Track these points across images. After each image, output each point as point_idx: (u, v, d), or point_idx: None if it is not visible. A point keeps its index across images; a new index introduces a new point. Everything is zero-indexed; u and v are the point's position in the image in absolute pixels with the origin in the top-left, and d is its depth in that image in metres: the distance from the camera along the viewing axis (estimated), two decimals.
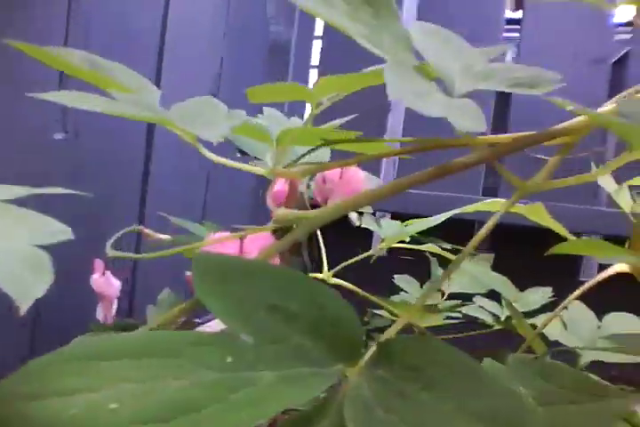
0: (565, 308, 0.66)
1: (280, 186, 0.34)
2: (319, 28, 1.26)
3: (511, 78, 0.25)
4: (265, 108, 0.46)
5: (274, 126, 0.42)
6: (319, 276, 0.66)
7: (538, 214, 0.51)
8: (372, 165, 1.22)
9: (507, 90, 0.25)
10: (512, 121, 1.16)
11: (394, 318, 0.73)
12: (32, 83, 0.58)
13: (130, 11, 0.77)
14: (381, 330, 1.14)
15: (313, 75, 1.27)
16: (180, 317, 0.22)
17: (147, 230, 0.27)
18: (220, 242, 0.24)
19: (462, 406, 0.20)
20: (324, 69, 1.25)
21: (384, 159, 1.16)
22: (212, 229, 0.46)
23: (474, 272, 0.66)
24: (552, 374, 0.36)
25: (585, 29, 1.12)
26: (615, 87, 1.10)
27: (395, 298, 0.83)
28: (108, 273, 0.27)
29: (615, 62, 1.18)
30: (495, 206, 0.50)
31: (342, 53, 1.25)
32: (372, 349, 0.21)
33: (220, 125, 0.31)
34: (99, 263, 0.27)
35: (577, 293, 0.56)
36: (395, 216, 1.25)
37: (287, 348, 0.21)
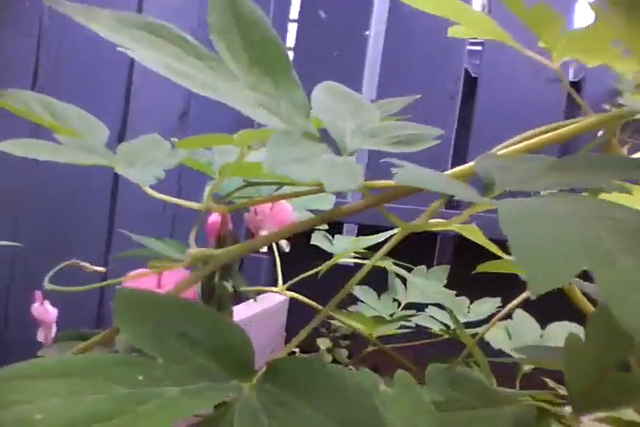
0: (508, 317, 0.71)
1: (214, 218, 0.39)
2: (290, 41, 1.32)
3: (394, 137, 0.30)
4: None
5: (221, 159, 0.47)
6: (274, 289, 0.71)
7: (473, 233, 0.56)
8: None
9: (388, 149, 0.29)
10: (471, 146, 1.21)
11: (353, 327, 0.77)
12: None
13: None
14: (346, 337, 1.19)
15: None
16: (100, 344, 0.26)
17: (83, 263, 0.32)
18: (139, 277, 0.28)
19: (330, 414, 0.24)
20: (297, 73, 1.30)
21: None
22: (173, 247, 0.51)
23: (421, 285, 0.70)
24: (459, 383, 0.41)
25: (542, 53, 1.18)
26: (572, 105, 1.16)
27: (353, 308, 0.88)
28: (46, 302, 0.31)
29: (573, 82, 1.24)
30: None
31: (314, 66, 1.30)
32: (264, 367, 0.26)
33: (157, 167, 0.36)
34: (38, 294, 0.31)
35: (515, 302, 0.61)
36: (362, 228, 1.30)
37: (191, 367, 0.25)
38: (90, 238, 0.78)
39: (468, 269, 0.63)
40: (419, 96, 0.36)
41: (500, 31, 0.47)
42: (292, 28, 1.30)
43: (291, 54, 1.31)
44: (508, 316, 0.67)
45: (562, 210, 0.19)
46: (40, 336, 0.31)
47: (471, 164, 0.28)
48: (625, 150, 0.50)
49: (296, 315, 1.25)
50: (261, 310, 1.11)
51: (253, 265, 1.21)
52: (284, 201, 0.42)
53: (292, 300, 1.04)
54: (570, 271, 0.16)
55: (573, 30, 0.41)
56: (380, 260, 0.74)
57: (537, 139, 0.31)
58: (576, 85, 1.22)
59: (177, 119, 1.01)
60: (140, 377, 0.25)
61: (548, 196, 0.22)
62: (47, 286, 0.28)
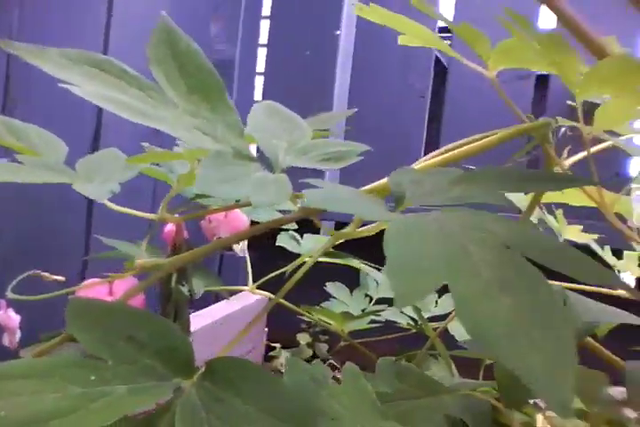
0: None
1: (170, 227, 0.42)
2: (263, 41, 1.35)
3: (323, 154, 0.34)
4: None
5: (181, 169, 0.50)
6: (244, 288, 0.75)
7: None
8: (315, 172, 1.30)
9: (317, 166, 0.33)
10: (443, 137, 1.24)
11: (324, 323, 0.81)
12: None
13: None
14: (325, 332, 1.23)
15: (258, 86, 1.35)
16: (56, 347, 0.30)
17: (44, 273, 0.35)
18: (92, 286, 0.32)
19: (262, 407, 0.28)
20: (268, 79, 1.33)
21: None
22: (149, 251, 0.54)
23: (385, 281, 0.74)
24: (405, 375, 0.45)
25: None
26: (538, 102, 1.20)
27: (326, 304, 0.91)
28: (10, 310, 0.34)
29: (541, 76, 1.27)
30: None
31: (286, 65, 1.32)
32: (203, 366, 0.29)
33: (113, 182, 0.39)
34: (2, 303, 0.34)
35: None
36: (338, 224, 1.33)
37: (138, 368, 0.29)
38: (68, 244, 0.80)
39: None
40: (353, 111, 0.40)
41: (439, 41, 0.51)
42: (265, 25, 1.33)
43: (264, 51, 1.34)
44: None
45: (439, 225, 0.23)
46: (5, 341, 0.34)
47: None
48: (565, 152, 0.53)
49: (277, 311, 1.29)
50: (241, 307, 1.15)
51: (232, 264, 1.24)
52: (237, 209, 0.45)
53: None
54: (430, 285, 0.20)
55: (499, 45, 0.44)
56: (344, 258, 0.77)
57: (456, 151, 0.35)
58: (544, 79, 1.25)
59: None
60: (93, 378, 0.28)
61: (437, 211, 0.25)
62: (9, 295, 0.31)
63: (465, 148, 0.37)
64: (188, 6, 1.13)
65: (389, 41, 1.23)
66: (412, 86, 1.24)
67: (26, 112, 0.66)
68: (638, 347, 0.69)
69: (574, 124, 0.44)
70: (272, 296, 0.72)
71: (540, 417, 0.61)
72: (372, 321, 0.86)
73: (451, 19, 1.30)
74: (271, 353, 1.26)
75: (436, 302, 0.89)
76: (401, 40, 0.56)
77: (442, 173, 0.31)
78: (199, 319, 1.08)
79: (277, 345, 1.29)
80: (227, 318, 1.12)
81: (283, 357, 1.24)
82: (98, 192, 0.37)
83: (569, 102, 1.17)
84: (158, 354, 0.29)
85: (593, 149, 0.49)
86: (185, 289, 0.39)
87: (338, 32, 1.29)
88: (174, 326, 0.29)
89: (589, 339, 0.53)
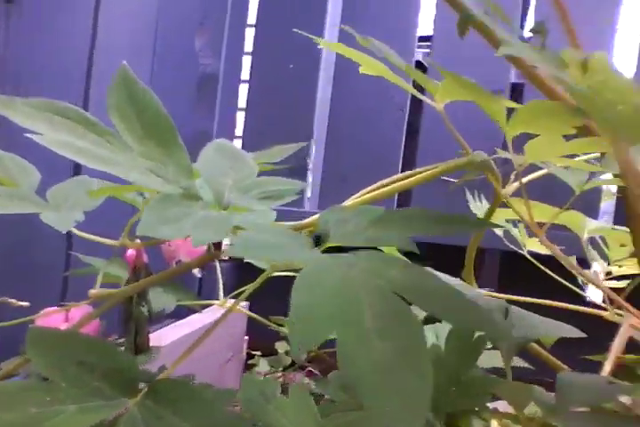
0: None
1: (131, 251, 0.46)
2: (247, 60, 1.38)
3: (264, 192, 0.37)
4: None
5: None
6: (215, 302, 0.79)
7: None
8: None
9: (258, 205, 0.36)
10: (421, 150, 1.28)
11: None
12: None
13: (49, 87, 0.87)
14: None
15: (242, 96, 1.39)
16: (16, 370, 0.33)
17: (10, 300, 0.39)
18: (49, 315, 0.35)
19: (194, 422, 0.31)
20: (253, 90, 1.37)
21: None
22: (119, 267, 0.57)
23: None
24: (348, 386, 0.49)
25: (487, 59, 1.25)
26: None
27: None
28: None
29: (515, 84, 1.31)
30: None
31: (270, 76, 1.36)
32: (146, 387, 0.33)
33: (78, 211, 0.42)
34: None
35: None
36: None
37: (88, 389, 0.32)
38: (49, 260, 0.84)
39: None
40: (304, 144, 0.43)
41: (392, 74, 0.54)
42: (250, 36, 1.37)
43: (248, 63, 1.38)
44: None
45: (342, 272, 0.26)
46: None
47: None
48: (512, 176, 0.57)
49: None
50: (220, 316, 1.18)
51: (213, 276, 1.27)
52: None
53: (253, 305, 1.11)
54: (322, 335, 0.23)
55: (443, 83, 0.48)
56: None
57: (382, 190, 0.38)
58: (518, 88, 1.29)
59: None
60: (48, 398, 0.31)
61: (353, 253, 0.29)
62: None
63: (400, 183, 0.41)
64: (173, 21, 1.16)
65: (370, 55, 1.27)
66: (392, 99, 1.28)
67: (7, 135, 0.70)
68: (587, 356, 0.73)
69: (508, 155, 0.47)
70: (245, 311, 0.76)
71: (494, 423, 0.65)
72: None
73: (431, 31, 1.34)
74: (250, 361, 1.30)
75: None
76: (361, 70, 0.60)
77: (365, 212, 0.34)
78: (178, 329, 1.11)
79: (258, 353, 1.33)
80: (204, 328, 1.15)
81: (262, 364, 1.28)
82: (62, 222, 0.40)
83: None
84: (106, 376, 0.33)
85: (530, 177, 0.53)
86: (145, 309, 0.43)
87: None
88: (120, 350, 0.33)
89: (541, 350, 0.57)
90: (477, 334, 0.46)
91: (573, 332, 0.56)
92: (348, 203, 0.38)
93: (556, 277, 0.68)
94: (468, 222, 0.33)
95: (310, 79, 1.35)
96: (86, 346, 0.33)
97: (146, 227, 0.30)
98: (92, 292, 0.34)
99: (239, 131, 1.39)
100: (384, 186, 0.42)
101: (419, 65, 1.38)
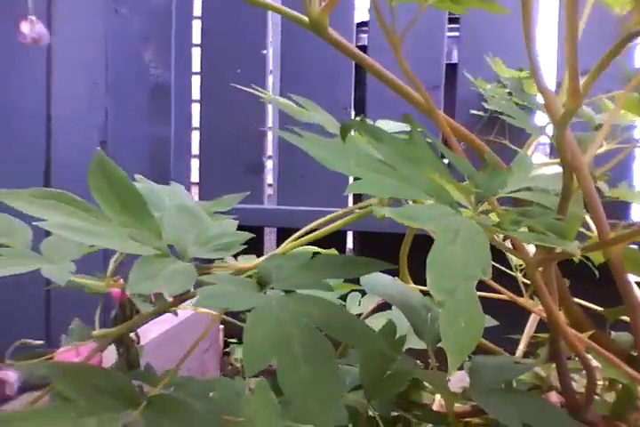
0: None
1: (116, 289, 0.58)
2: (196, 66, 1.48)
3: (218, 244, 0.49)
4: None
5: None
6: (187, 305, 0.90)
7: None
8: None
9: (214, 255, 0.48)
10: None
11: None
12: None
13: (14, 85, 0.96)
14: None
15: (195, 109, 1.49)
16: (46, 394, 0.45)
17: (29, 340, 0.50)
18: (64, 353, 0.47)
19: (185, 425, 0.44)
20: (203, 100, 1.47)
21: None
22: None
23: None
24: None
25: (420, 58, 1.37)
26: (447, 107, 1.37)
27: None
28: (7, 369, 0.49)
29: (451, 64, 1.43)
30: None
31: (219, 90, 1.46)
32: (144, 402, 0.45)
33: (67, 262, 0.54)
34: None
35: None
36: (280, 231, 1.49)
37: (101, 405, 0.44)
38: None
39: None
40: (239, 195, 0.55)
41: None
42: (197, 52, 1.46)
43: (198, 51, 1.48)
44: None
45: (276, 315, 0.39)
46: (6, 390, 0.50)
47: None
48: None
49: None
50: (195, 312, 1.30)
51: None
52: None
53: None
54: (265, 361, 0.36)
55: None
56: None
57: (306, 237, 0.51)
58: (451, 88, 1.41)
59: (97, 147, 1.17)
60: (73, 414, 0.44)
61: (286, 296, 0.41)
62: (7, 361, 0.47)
63: (312, 234, 0.53)
64: (121, 40, 1.25)
65: (313, 58, 1.38)
66: (337, 101, 1.39)
67: None
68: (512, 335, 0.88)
69: None
70: (212, 312, 0.88)
71: (437, 397, 0.79)
72: None
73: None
74: (226, 349, 1.43)
75: (360, 301, 1.06)
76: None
77: (297, 258, 0.47)
78: (159, 326, 1.24)
79: (234, 340, 1.46)
80: (183, 323, 1.28)
81: (237, 352, 1.41)
82: (61, 274, 0.52)
83: (472, 111, 1.34)
84: (113, 395, 0.45)
85: None
86: (133, 335, 0.55)
87: (264, 51, 1.43)
88: (121, 375, 0.45)
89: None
90: (399, 334, 0.59)
91: (489, 321, 0.70)
92: (283, 247, 0.51)
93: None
94: (371, 265, 0.46)
95: (258, 85, 1.45)
96: (96, 374, 0.45)
97: (132, 285, 0.42)
98: (95, 333, 0.46)
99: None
100: (301, 236, 0.54)
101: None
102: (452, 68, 1.37)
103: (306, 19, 0.49)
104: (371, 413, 0.63)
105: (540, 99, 0.47)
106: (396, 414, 0.69)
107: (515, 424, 0.48)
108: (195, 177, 1.54)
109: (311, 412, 0.34)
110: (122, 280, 0.56)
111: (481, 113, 1.30)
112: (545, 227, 0.40)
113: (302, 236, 0.52)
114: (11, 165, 0.93)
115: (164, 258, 0.47)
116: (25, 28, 0.62)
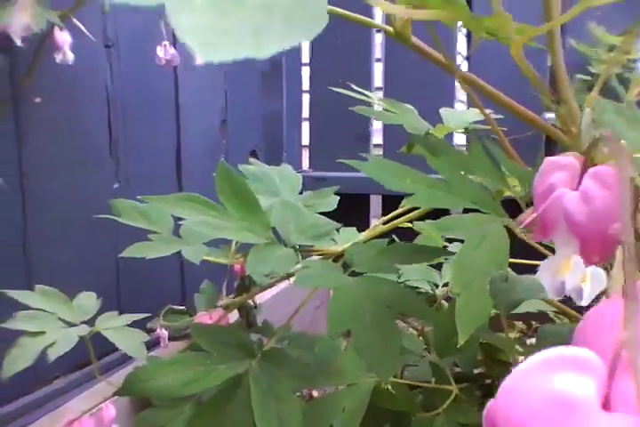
0: None
1: (238, 265, 0.74)
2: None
3: (315, 233, 0.64)
4: None
5: None
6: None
7: None
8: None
9: (311, 242, 0.63)
10: None
11: None
12: None
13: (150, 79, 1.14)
14: None
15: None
16: (188, 346, 0.62)
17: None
18: (201, 317, 0.64)
19: (291, 373, 0.59)
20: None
21: None
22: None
23: None
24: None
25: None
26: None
27: None
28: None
29: None
30: None
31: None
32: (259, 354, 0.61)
33: (200, 245, 0.70)
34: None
35: None
36: (385, 197, 1.62)
37: (228, 356, 0.61)
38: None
39: None
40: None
41: None
42: None
43: None
44: None
45: (352, 292, 0.53)
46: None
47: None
48: None
49: None
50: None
51: None
52: None
53: None
54: (344, 326, 0.50)
55: None
56: None
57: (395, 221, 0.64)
58: None
59: (218, 127, 1.34)
60: (208, 362, 0.60)
61: (362, 277, 0.55)
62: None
63: (401, 218, 0.66)
64: None
65: None
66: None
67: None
68: None
69: None
70: None
71: (519, 358, 0.91)
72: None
73: None
74: None
75: None
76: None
77: (375, 245, 0.60)
78: (274, 287, 1.41)
79: None
80: (290, 286, 1.45)
81: None
82: (196, 256, 0.68)
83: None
84: (236, 347, 0.61)
85: None
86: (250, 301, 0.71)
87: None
88: (242, 333, 0.61)
89: None
90: None
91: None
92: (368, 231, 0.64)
93: None
94: (437, 252, 0.59)
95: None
96: (224, 332, 0.61)
97: (251, 266, 0.58)
98: (222, 302, 0.62)
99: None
100: (390, 219, 0.68)
101: None
102: None
103: (391, 29, 0.59)
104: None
105: None
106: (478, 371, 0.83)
107: None
108: (305, 140, 1.68)
109: (377, 362, 0.48)
110: (242, 258, 0.72)
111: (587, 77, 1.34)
112: None
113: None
114: (146, 144, 1.10)
115: (273, 245, 0.62)
116: (160, 52, 0.78)
